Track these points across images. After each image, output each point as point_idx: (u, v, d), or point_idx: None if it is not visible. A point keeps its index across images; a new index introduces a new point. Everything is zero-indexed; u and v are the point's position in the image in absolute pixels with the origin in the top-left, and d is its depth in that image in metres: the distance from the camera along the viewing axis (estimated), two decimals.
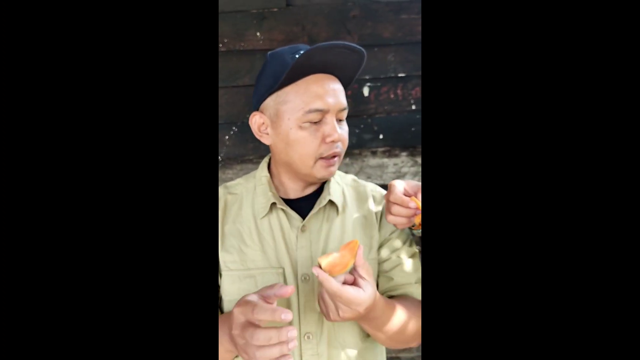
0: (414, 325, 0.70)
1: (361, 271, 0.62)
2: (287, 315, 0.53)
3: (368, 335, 0.75)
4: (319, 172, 0.73)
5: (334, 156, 0.73)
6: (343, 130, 0.74)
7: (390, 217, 0.71)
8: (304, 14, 1.81)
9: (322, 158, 0.72)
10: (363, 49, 0.72)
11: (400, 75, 1.94)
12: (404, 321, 0.70)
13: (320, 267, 0.59)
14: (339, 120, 0.74)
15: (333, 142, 0.71)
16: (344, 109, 0.74)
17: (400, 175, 1.98)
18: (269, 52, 0.77)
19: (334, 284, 0.57)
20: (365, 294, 0.60)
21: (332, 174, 0.75)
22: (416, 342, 0.74)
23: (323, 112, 0.71)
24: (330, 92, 0.71)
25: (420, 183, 0.71)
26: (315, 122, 0.71)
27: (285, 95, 0.72)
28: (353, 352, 0.74)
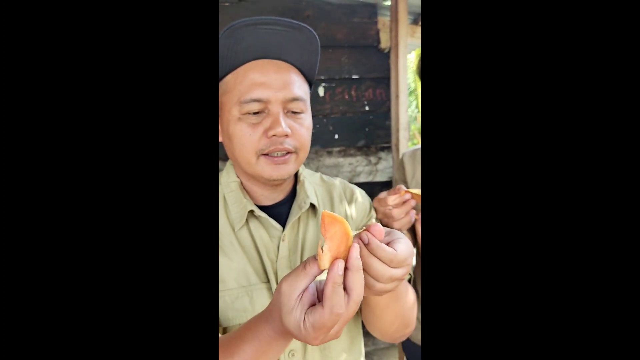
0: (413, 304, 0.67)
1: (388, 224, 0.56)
2: (340, 264, 0.42)
3: (352, 344, 0.71)
4: (264, 170, 0.62)
5: (287, 153, 0.62)
6: (297, 125, 0.63)
7: (396, 224, 0.73)
8: (257, 10, 1.77)
9: (264, 154, 0.62)
10: (308, 27, 0.63)
11: (354, 77, 1.96)
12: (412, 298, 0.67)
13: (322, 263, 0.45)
14: (293, 113, 0.63)
15: (275, 136, 0.61)
16: (295, 99, 0.62)
17: (356, 175, 2.01)
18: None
19: (385, 247, 0.45)
20: (404, 242, 0.48)
21: (287, 174, 0.64)
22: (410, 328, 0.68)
23: (263, 102, 0.61)
24: (273, 80, 0.61)
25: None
26: (256, 114, 0.61)
27: (225, 85, 0.64)
28: None
